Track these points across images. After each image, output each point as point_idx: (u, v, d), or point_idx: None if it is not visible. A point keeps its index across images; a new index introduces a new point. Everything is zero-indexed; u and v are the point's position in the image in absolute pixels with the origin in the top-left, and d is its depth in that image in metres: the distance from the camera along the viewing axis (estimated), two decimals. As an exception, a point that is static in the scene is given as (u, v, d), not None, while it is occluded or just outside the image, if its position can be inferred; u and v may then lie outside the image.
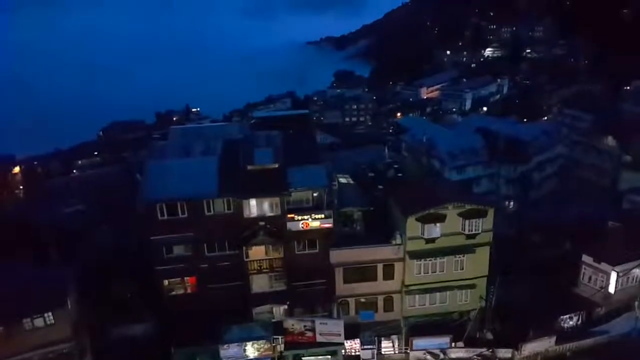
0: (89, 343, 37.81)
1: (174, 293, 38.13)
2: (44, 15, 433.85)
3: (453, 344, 39.33)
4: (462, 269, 39.18)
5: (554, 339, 39.69)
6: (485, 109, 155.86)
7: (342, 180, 45.77)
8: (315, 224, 36.81)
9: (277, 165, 37.58)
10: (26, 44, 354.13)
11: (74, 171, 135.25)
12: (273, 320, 38.13)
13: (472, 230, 38.20)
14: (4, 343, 33.09)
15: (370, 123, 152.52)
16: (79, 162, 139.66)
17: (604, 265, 42.00)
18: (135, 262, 42.80)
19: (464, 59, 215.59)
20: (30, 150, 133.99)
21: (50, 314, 33.77)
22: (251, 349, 36.40)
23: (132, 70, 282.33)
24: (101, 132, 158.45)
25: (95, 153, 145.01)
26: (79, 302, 37.36)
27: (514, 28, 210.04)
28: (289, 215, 36.71)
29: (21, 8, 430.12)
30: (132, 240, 44.56)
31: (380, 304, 39.80)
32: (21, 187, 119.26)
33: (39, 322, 33.68)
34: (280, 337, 36.84)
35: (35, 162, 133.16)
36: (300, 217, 36.68)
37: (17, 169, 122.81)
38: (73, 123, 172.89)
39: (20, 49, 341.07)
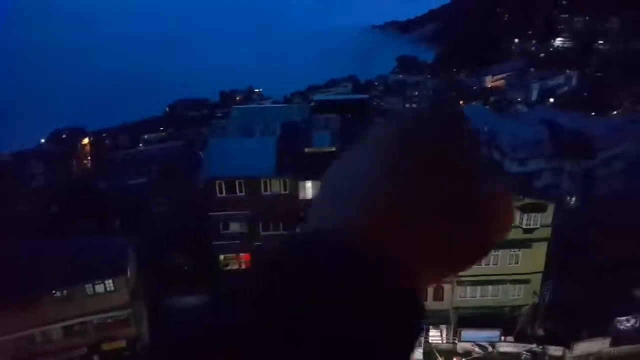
0: (146, 311, 40.00)
1: (228, 268, 39.58)
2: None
3: (503, 338, 38.79)
4: (517, 263, 38.38)
5: (608, 340, 38.28)
6: (552, 100, 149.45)
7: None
8: (369, 209, 36.90)
9: (334, 149, 37.91)
10: (93, 13, 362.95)
11: (140, 145, 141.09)
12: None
13: (529, 225, 37.31)
14: (66, 306, 35.26)
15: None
16: (145, 136, 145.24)
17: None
18: (193, 236, 44.83)
19: (533, 48, 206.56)
20: (100, 124, 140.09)
21: (110, 281, 35.53)
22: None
23: (200, 46, 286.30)
24: (167, 108, 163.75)
25: (161, 128, 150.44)
26: (138, 271, 39.44)
27: (587, 18, 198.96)
28: (343, 199, 36.96)
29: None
30: (191, 215, 46.51)
31: (430, 292, 39.68)
32: (89, 158, 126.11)
33: (99, 288, 35.50)
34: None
35: (103, 135, 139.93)
36: (354, 202, 36.85)
37: (86, 141, 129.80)
38: (141, 97, 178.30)
39: (88, 17, 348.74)
